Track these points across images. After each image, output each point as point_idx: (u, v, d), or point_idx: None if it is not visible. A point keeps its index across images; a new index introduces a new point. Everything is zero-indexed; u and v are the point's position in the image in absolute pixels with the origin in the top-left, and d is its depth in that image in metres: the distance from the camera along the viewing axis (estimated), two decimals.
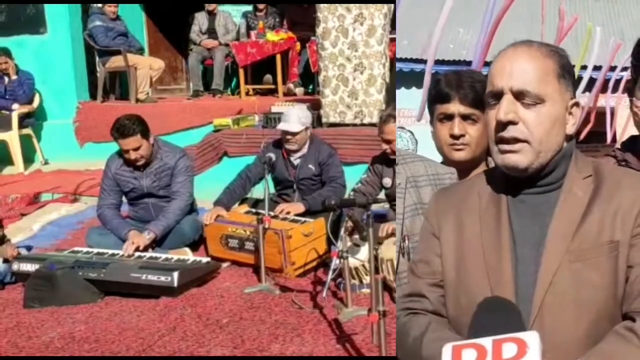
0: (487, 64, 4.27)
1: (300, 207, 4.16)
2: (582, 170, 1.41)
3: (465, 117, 1.91)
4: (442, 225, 1.50)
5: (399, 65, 8.69)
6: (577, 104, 1.42)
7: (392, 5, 5.83)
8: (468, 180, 1.61)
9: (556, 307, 1.32)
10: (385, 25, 5.75)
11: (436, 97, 1.96)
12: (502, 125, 1.37)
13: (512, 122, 1.36)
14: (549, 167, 1.40)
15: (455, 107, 1.91)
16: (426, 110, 2.07)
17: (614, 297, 1.31)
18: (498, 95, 1.39)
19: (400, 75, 7.23)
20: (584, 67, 6.91)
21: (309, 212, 4.14)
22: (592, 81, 7.63)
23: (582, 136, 8.64)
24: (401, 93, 9.02)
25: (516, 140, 1.37)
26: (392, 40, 6.16)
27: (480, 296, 1.33)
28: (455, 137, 1.92)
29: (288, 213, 4.09)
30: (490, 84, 1.41)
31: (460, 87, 1.91)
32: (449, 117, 1.93)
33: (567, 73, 1.40)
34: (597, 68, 7.68)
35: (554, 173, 1.40)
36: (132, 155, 4.07)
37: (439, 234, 1.50)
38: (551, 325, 1.31)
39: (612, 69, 8.02)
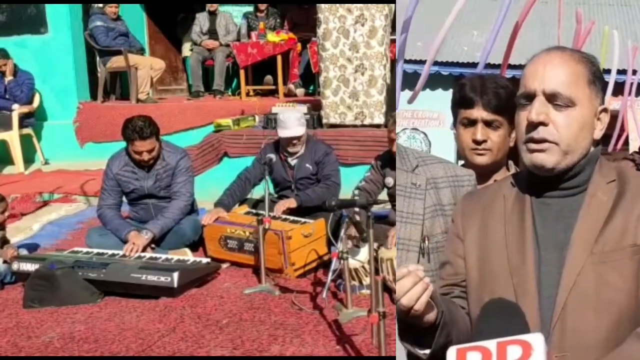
0: (510, 67, 4.29)
1: (292, 202, 4.18)
2: (606, 174, 1.44)
3: (488, 123, 1.94)
4: (466, 227, 1.54)
5: (412, 67, 8.68)
6: (605, 110, 1.46)
7: (393, 6, 5.84)
8: (495, 184, 1.65)
9: (579, 309, 1.34)
10: (386, 27, 5.76)
11: (460, 102, 1.98)
12: (532, 126, 1.41)
13: (543, 123, 1.40)
14: (575, 171, 1.43)
15: (478, 112, 1.94)
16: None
17: (636, 299, 1.33)
18: (530, 97, 1.43)
19: (415, 78, 7.28)
20: (606, 71, 6.86)
21: (301, 208, 4.17)
22: (618, 85, 7.55)
23: (621, 142, 8.50)
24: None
25: (545, 140, 1.40)
26: (393, 41, 6.16)
27: (504, 297, 1.35)
28: (477, 142, 1.95)
29: (284, 212, 4.11)
30: (522, 86, 1.45)
31: (484, 92, 1.93)
32: (472, 122, 1.95)
33: (597, 80, 1.44)
34: (621, 72, 7.59)
35: (579, 177, 1.43)
36: (146, 157, 4.08)
37: (463, 236, 1.55)
38: (573, 326, 1.33)
39: (631, 72, 7.94)
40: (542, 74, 1.41)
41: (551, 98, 1.40)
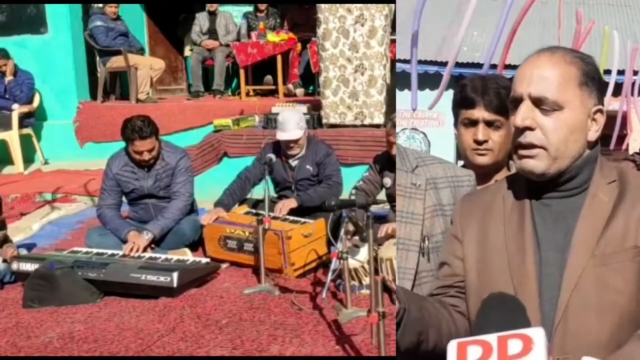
0: (507, 67, 4.31)
1: (293, 202, 4.19)
2: (607, 175, 1.42)
3: (489, 123, 1.94)
4: (465, 228, 1.53)
5: (409, 66, 8.69)
6: (600, 111, 1.42)
7: (393, 6, 5.84)
8: (493, 185, 1.63)
9: (580, 311, 1.33)
10: (386, 27, 5.76)
11: (461, 102, 1.98)
12: (519, 131, 1.39)
13: (529, 128, 1.38)
14: (571, 173, 1.41)
15: (479, 113, 1.94)
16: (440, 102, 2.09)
17: (637, 301, 1.32)
18: (518, 101, 1.40)
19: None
20: (606, 72, 6.84)
21: (302, 208, 4.17)
22: (617, 86, 7.52)
23: (625, 143, 8.42)
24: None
25: (533, 145, 1.38)
26: (393, 41, 6.16)
27: None
28: (478, 142, 1.95)
29: (282, 211, 4.11)
30: (512, 90, 1.44)
31: (486, 93, 1.93)
32: (473, 123, 1.95)
33: (590, 80, 1.40)
34: (621, 72, 7.56)
35: (577, 178, 1.41)
36: (146, 156, 4.08)
37: (461, 236, 1.53)
38: (575, 328, 1.33)
39: (632, 73, 7.93)
40: (529, 78, 1.39)
41: (537, 102, 1.38)
